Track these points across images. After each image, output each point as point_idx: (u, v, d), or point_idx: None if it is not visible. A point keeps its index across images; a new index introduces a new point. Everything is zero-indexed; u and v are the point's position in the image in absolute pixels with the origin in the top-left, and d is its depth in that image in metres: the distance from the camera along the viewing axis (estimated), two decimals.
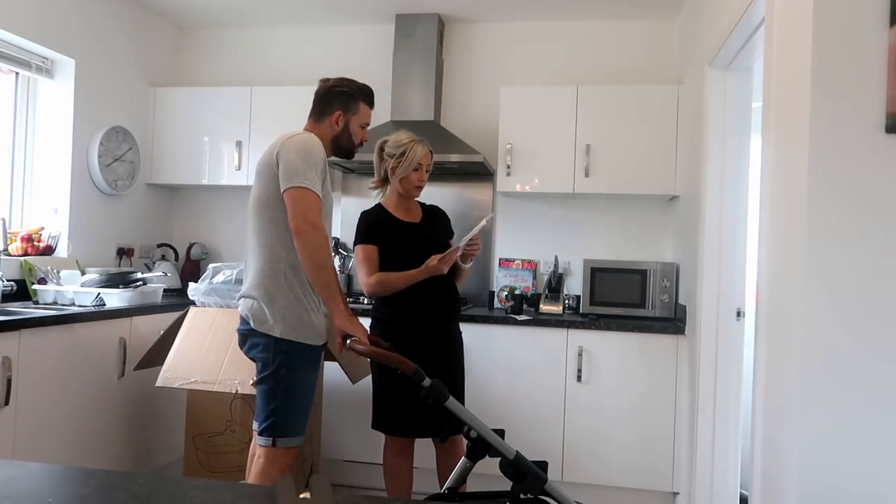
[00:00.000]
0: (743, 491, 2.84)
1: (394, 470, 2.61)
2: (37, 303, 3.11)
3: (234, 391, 2.61)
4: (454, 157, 3.43)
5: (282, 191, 2.11)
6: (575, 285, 3.80)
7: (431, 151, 2.60)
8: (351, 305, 2.81)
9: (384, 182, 2.64)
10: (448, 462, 2.57)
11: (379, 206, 2.64)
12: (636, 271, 3.47)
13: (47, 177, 3.49)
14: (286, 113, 3.76)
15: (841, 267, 1.56)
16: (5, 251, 3.15)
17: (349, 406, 3.37)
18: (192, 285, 2.93)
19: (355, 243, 2.58)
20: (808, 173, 1.58)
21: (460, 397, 2.60)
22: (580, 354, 3.22)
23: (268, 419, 2.16)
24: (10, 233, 3.23)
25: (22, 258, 3.20)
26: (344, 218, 4.05)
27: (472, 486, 2.20)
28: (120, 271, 3.31)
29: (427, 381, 1.95)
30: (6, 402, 2.41)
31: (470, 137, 3.88)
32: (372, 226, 2.56)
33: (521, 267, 3.85)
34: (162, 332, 2.95)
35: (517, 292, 3.71)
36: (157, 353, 2.87)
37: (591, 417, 3.22)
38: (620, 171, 3.46)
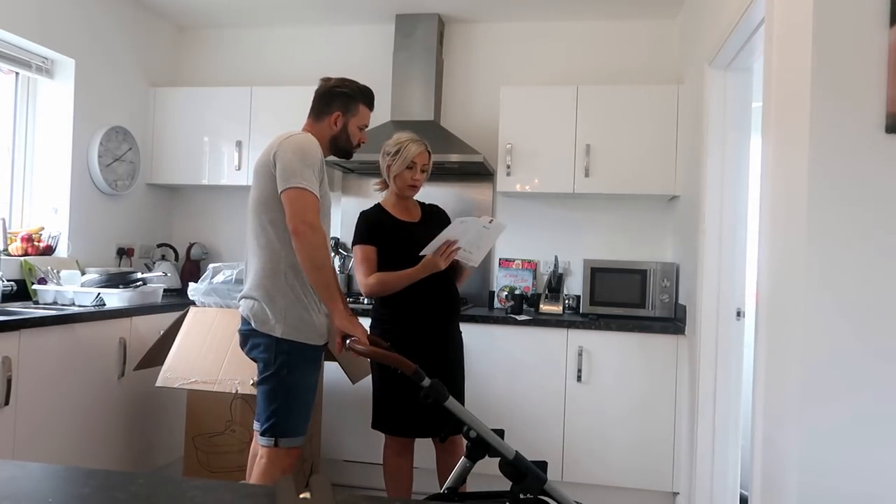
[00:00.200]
0: (743, 491, 2.83)
1: (394, 470, 2.61)
2: (37, 303, 3.11)
3: (234, 391, 2.61)
4: (454, 157, 3.43)
5: (279, 191, 2.10)
6: (575, 285, 3.80)
7: (429, 152, 2.59)
8: (351, 305, 2.81)
9: (387, 183, 2.64)
10: (448, 462, 2.57)
11: (378, 205, 2.64)
12: (636, 271, 3.47)
13: (47, 177, 3.49)
14: (286, 113, 3.76)
15: (841, 267, 1.56)
16: (5, 251, 3.15)
17: (349, 406, 3.37)
18: (192, 285, 2.93)
19: (353, 243, 2.57)
20: (808, 173, 1.58)
21: (460, 397, 2.60)
22: (580, 354, 3.22)
23: (269, 419, 2.16)
24: (10, 233, 3.23)
25: (22, 258, 3.20)
26: (344, 218, 4.05)
27: (472, 486, 2.20)
28: (120, 271, 3.31)
29: (427, 381, 1.95)
30: (6, 402, 2.41)
31: (470, 137, 3.88)
32: (370, 226, 2.56)
33: (521, 267, 3.85)
34: (162, 332, 2.95)
35: (517, 292, 3.71)
36: (157, 353, 2.87)
37: (591, 417, 3.22)
38: (620, 171, 3.46)
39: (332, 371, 3.12)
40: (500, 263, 3.87)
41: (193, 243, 4.13)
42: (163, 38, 4.15)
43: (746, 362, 2.71)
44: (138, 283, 3.25)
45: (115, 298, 3.09)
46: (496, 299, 3.83)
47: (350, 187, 4.08)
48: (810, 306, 1.58)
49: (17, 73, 3.40)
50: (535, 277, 3.84)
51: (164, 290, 3.60)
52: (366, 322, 2.66)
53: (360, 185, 4.07)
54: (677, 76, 3.68)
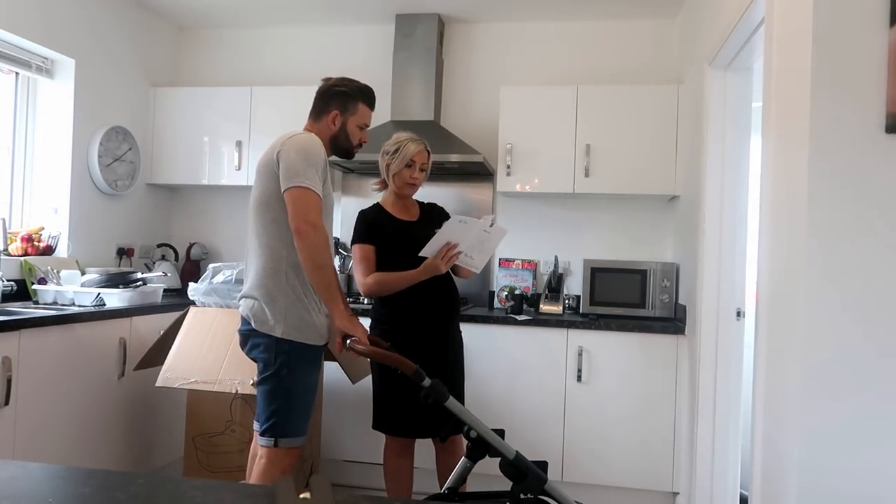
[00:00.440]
0: (743, 491, 2.83)
1: (394, 470, 2.61)
2: (37, 303, 3.11)
3: (234, 391, 2.61)
4: (454, 157, 3.43)
5: (282, 190, 2.10)
6: (575, 285, 3.80)
7: (428, 151, 2.59)
8: (351, 305, 2.81)
9: (386, 183, 2.64)
10: (448, 462, 2.57)
11: (377, 205, 2.64)
12: (636, 271, 3.47)
13: (47, 177, 3.49)
14: (286, 113, 3.76)
15: (841, 267, 1.56)
16: (5, 251, 3.15)
17: (349, 406, 3.37)
18: (192, 285, 2.93)
19: (352, 243, 2.57)
20: (808, 173, 1.58)
21: (460, 397, 2.60)
22: (580, 354, 3.22)
23: (269, 419, 2.16)
24: (10, 233, 3.23)
25: (22, 258, 3.20)
26: (344, 218, 4.05)
27: (472, 486, 2.20)
28: (120, 271, 3.31)
29: (427, 382, 1.95)
30: (6, 402, 2.41)
31: (470, 137, 3.88)
32: (369, 225, 2.56)
33: (521, 267, 3.85)
34: (162, 332, 2.95)
35: (517, 292, 3.71)
36: (157, 353, 2.87)
37: (591, 417, 3.22)
38: (620, 171, 3.46)
39: (332, 371, 3.12)
40: (500, 263, 3.87)
41: (193, 243, 4.13)
42: (163, 38, 4.15)
43: (746, 362, 2.71)
44: (138, 283, 3.25)
45: (115, 298, 3.09)
46: (496, 299, 3.83)
47: (350, 187, 4.08)
48: (810, 306, 1.58)
49: (17, 73, 3.40)
50: (535, 277, 3.84)
51: (164, 290, 3.60)
52: (366, 322, 2.66)
53: (360, 185, 4.07)
54: (677, 76, 3.68)
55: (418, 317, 2.54)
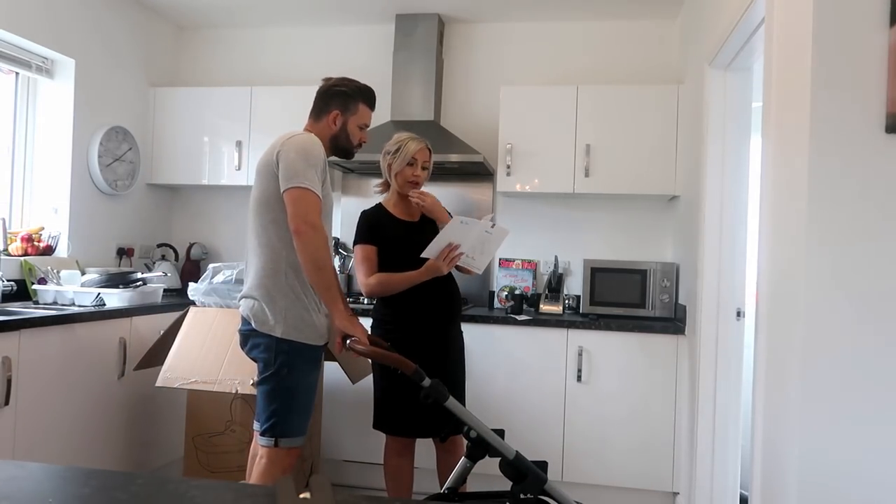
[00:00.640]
0: (743, 491, 2.84)
1: (394, 470, 2.61)
2: (37, 303, 3.11)
3: (234, 391, 2.61)
4: (454, 157, 3.44)
5: (282, 191, 2.11)
6: (575, 285, 3.80)
7: (429, 149, 2.59)
8: (351, 305, 2.81)
9: (388, 185, 2.64)
10: (448, 462, 2.57)
11: (378, 205, 2.64)
12: (636, 271, 3.47)
13: (47, 177, 3.49)
14: (286, 113, 3.76)
15: (841, 267, 1.56)
16: (5, 251, 3.15)
17: (349, 406, 3.37)
18: (192, 285, 2.93)
19: (354, 243, 2.57)
20: (808, 173, 1.58)
21: (461, 398, 2.60)
22: (580, 354, 3.22)
23: (269, 419, 2.16)
24: (10, 233, 3.23)
25: (22, 258, 3.20)
26: (344, 218, 4.05)
27: (472, 486, 2.20)
28: (120, 271, 3.31)
29: (427, 381, 1.95)
30: (6, 402, 2.41)
31: (470, 137, 3.88)
32: (371, 226, 2.56)
33: (521, 267, 3.85)
34: (162, 332, 2.95)
35: (517, 292, 3.71)
36: (157, 353, 2.87)
37: (591, 417, 3.22)
38: (620, 171, 3.46)
39: (332, 371, 3.12)
40: (500, 263, 3.87)
41: (193, 243, 4.13)
42: (163, 38, 4.15)
43: (746, 362, 2.71)
44: (138, 283, 3.25)
45: (115, 298, 3.09)
46: (496, 299, 3.83)
47: (350, 187, 4.08)
48: (810, 306, 1.58)
49: (17, 73, 3.40)
50: (535, 277, 3.84)
51: (164, 290, 3.60)
52: (367, 322, 2.66)
53: (360, 185, 4.07)
54: (677, 76, 3.68)
55: (420, 317, 2.54)
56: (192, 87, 4.09)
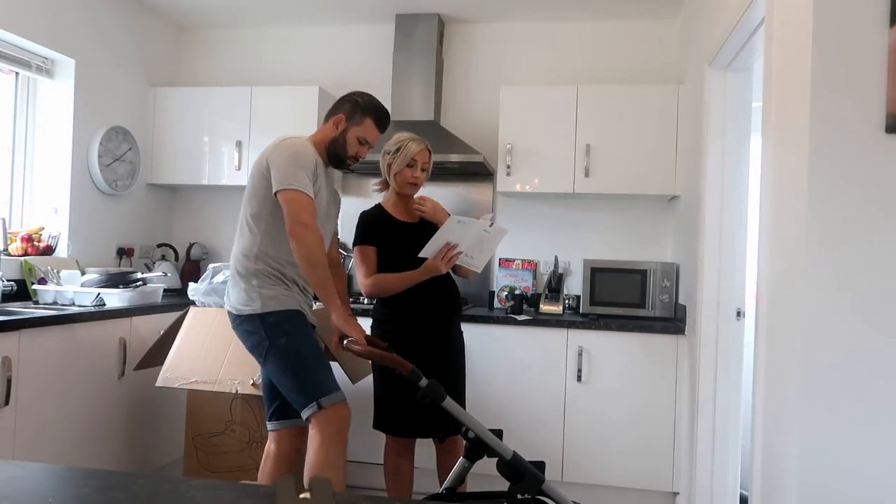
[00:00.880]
0: (743, 491, 2.83)
1: (394, 470, 2.61)
2: (37, 303, 3.11)
3: (234, 391, 2.61)
4: (454, 157, 3.43)
5: (273, 191, 2.16)
6: (575, 285, 3.80)
7: (429, 150, 2.58)
8: (352, 305, 2.81)
9: (387, 184, 2.64)
10: (448, 462, 2.57)
11: (378, 206, 2.64)
12: (636, 271, 3.47)
13: (47, 177, 3.49)
14: (286, 113, 3.76)
15: (841, 267, 1.56)
16: (5, 251, 3.15)
17: (349, 406, 3.36)
18: (192, 285, 2.93)
19: (354, 244, 2.57)
20: (808, 173, 1.58)
21: (461, 399, 2.60)
22: (580, 354, 3.22)
23: (299, 391, 2.14)
24: (10, 233, 3.23)
25: (22, 258, 3.20)
26: (343, 218, 4.02)
27: (472, 486, 2.20)
28: (120, 271, 3.31)
29: (424, 382, 1.95)
30: (6, 402, 2.41)
31: (470, 137, 3.88)
32: (370, 226, 2.56)
33: (521, 267, 3.85)
34: (162, 332, 2.95)
35: (517, 292, 3.71)
36: (157, 353, 2.87)
37: (590, 417, 3.22)
38: (620, 171, 3.46)
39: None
40: (500, 263, 3.87)
41: (193, 243, 4.13)
42: (163, 38, 4.15)
43: (746, 362, 2.71)
44: (138, 283, 3.25)
45: (115, 298, 3.09)
46: (496, 299, 3.83)
47: (350, 187, 4.08)
48: (810, 306, 1.58)
49: (17, 73, 3.40)
50: (535, 277, 3.84)
51: (164, 290, 3.60)
52: (366, 322, 2.66)
53: (359, 185, 4.07)
54: (677, 76, 3.68)
55: (419, 317, 2.54)
56: (193, 87, 4.09)
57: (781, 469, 1.69)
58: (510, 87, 3.63)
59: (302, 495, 0.84)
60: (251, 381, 2.59)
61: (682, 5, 3.59)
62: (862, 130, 1.55)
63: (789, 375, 1.66)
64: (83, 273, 3.32)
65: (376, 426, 2.58)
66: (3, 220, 3.14)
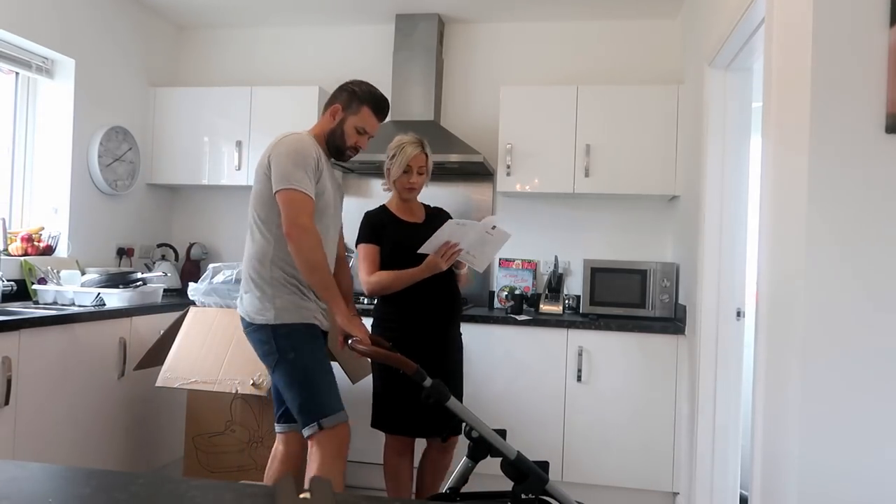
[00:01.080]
0: (743, 491, 2.83)
1: (394, 470, 2.61)
2: (37, 303, 3.11)
3: (234, 391, 2.61)
4: (454, 157, 3.43)
5: (273, 192, 2.12)
6: (575, 285, 3.80)
7: (427, 154, 2.58)
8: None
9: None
10: (441, 461, 2.62)
11: (383, 206, 2.67)
12: (636, 271, 3.47)
13: (47, 177, 3.49)
14: (286, 113, 3.76)
15: (841, 267, 1.56)
16: (5, 251, 3.15)
17: (349, 406, 3.32)
18: (192, 285, 2.93)
19: (357, 242, 2.60)
20: (808, 173, 1.58)
21: (458, 398, 2.60)
22: (580, 354, 3.22)
23: (302, 408, 2.11)
24: (10, 233, 3.23)
25: (22, 258, 3.20)
26: (344, 217, 4.03)
27: (472, 486, 2.20)
28: (120, 271, 3.31)
29: (428, 382, 1.95)
30: (6, 402, 2.41)
31: (470, 137, 3.88)
32: (373, 226, 2.58)
33: (521, 267, 3.85)
34: (162, 332, 2.95)
35: (517, 292, 3.71)
36: (157, 353, 2.87)
37: (591, 417, 3.22)
38: (620, 171, 3.46)
39: None
40: (500, 263, 3.87)
41: (193, 243, 4.13)
42: (163, 38, 4.15)
43: (746, 362, 2.71)
44: (138, 283, 3.25)
45: (115, 298, 3.09)
46: (496, 299, 3.83)
47: (350, 187, 4.08)
48: (810, 306, 1.58)
49: (17, 73, 3.40)
50: (535, 277, 3.84)
51: (164, 290, 3.60)
52: (367, 321, 2.66)
53: (359, 184, 4.07)
54: (677, 76, 3.68)
55: (421, 316, 2.55)
56: (192, 87, 4.09)
57: (781, 469, 1.69)
58: (510, 87, 3.63)
59: (302, 495, 0.84)
60: (251, 381, 2.59)
61: (682, 5, 3.59)
62: (862, 130, 1.55)
63: (789, 375, 1.66)
64: (83, 273, 3.32)
65: (374, 425, 2.59)
66: (3, 220, 3.14)
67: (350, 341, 2.13)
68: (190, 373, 2.67)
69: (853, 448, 1.54)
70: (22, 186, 3.48)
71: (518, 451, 1.91)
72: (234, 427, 2.86)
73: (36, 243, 3.28)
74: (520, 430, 3.21)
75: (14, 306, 2.95)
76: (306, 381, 2.12)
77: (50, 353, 2.62)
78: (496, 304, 3.82)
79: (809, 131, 1.58)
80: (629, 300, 3.45)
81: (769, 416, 1.81)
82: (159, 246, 4.11)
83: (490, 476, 2.17)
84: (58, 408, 2.66)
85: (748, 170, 2.80)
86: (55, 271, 3.22)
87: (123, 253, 3.82)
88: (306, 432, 2.11)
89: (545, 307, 3.58)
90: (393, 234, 2.56)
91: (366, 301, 3.38)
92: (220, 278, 2.90)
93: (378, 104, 2.31)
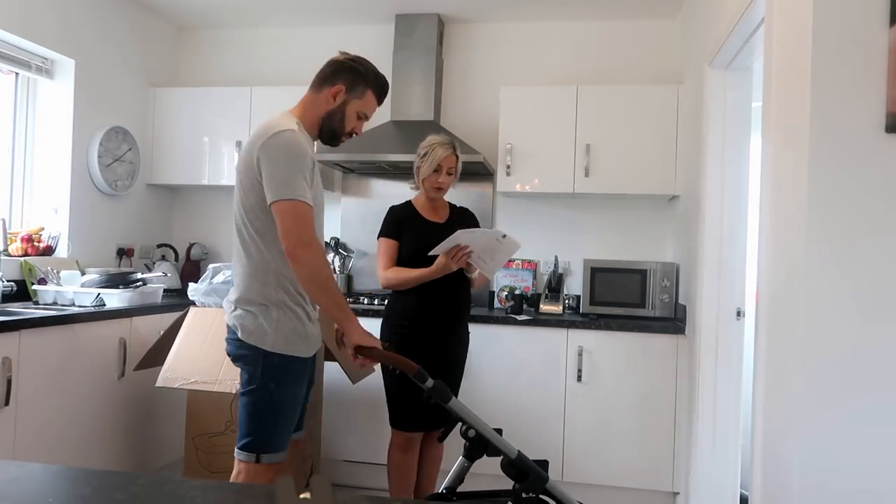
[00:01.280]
0: (743, 491, 2.83)
1: (399, 466, 2.64)
2: (37, 303, 3.11)
3: (234, 391, 2.61)
4: None
5: (268, 203, 1.90)
6: (575, 285, 3.80)
7: (457, 155, 2.66)
8: (351, 306, 2.81)
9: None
10: (433, 451, 2.71)
11: (408, 202, 2.74)
12: (636, 271, 3.47)
13: (47, 177, 3.49)
14: None
15: (841, 266, 1.56)
16: (5, 251, 3.15)
17: (350, 406, 3.37)
18: (192, 285, 2.93)
19: (379, 235, 2.67)
20: (808, 173, 1.58)
21: (455, 389, 2.67)
22: (580, 354, 3.22)
23: (251, 434, 2.00)
24: (10, 233, 3.23)
25: (22, 258, 3.20)
26: (344, 218, 4.05)
27: (472, 486, 2.20)
28: (120, 271, 3.31)
29: (430, 382, 1.95)
30: (6, 403, 2.41)
31: (470, 137, 3.88)
32: (396, 221, 2.66)
33: (521, 267, 3.85)
34: (162, 332, 2.95)
35: (517, 292, 3.70)
36: (157, 353, 2.86)
37: (591, 417, 3.22)
38: (620, 171, 3.46)
39: (332, 371, 3.12)
40: None
41: (193, 243, 4.13)
42: (162, 38, 4.15)
43: (746, 362, 2.71)
44: (138, 284, 3.25)
45: (115, 299, 3.09)
46: (496, 299, 3.83)
47: (350, 187, 4.08)
48: (810, 306, 1.58)
49: (17, 74, 3.40)
50: (535, 277, 3.84)
51: (164, 291, 3.59)
52: (368, 321, 2.66)
53: (360, 184, 4.07)
54: (677, 76, 3.68)
55: (430, 312, 2.61)
56: (192, 87, 4.09)
57: (782, 469, 1.68)
58: (510, 87, 3.63)
59: (302, 495, 0.84)
60: None
61: (682, 5, 3.59)
62: (862, 130, 1.55)
63: (789, 375, 1.66)
64: (83, 273, 3.32)
65: (394, 424, 2.63)
66: (3, 220, 3.14)
67: (360, 353, 2.05)
68: (190, 373, 2.67)
69: (853, 448, 1.54)
70: (22, 187, 3.48)
71: (518, 451, 1.91)
72: (234, 427, 2.86)
73: (36, 244, 3.28)
74: (520, 429, 3.21)
75: (14, 307, 2.95)
76: (272, 416, 1.99)
77: (50, 354, 2.61)
78: (496, 304, 3.82)
79: (809, 131, 1.58)
80: (629, 300, 3.45)
81: (769, 416, 1.81)
82: (159, 246, 4.11)
83: (485, 476, 2.17)
84: (58, 408, 2.66)
85: (748, 169, 2.80)
86: (55, 272, 3.22)
87: (123, 253, 3.82)
88: (241, 456, 2.01)
89: (545, 307, 3.58)
90: (414, 231, 2.64)
91: (365, 301, 3.40)
92: (220, 278, 2.90)
93: (383, 89, 2.17)
